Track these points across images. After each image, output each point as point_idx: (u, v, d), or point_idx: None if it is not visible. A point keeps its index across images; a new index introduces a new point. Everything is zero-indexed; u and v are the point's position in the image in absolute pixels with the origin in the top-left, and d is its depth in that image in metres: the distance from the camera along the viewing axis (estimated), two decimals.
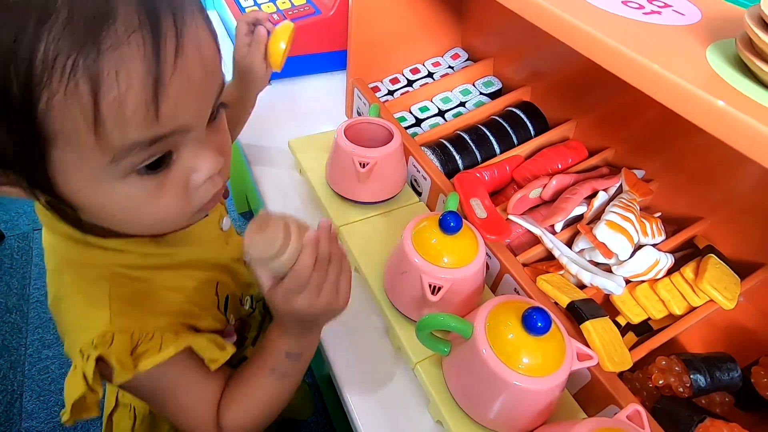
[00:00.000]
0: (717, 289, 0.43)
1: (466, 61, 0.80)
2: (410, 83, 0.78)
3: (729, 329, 0.47)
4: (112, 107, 0.24)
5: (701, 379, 0.39)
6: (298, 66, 0.89)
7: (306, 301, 0.34)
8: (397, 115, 0.72)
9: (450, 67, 0.80)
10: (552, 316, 0.37)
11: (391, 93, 0.77)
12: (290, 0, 0.88)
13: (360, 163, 0.54)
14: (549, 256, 0.51)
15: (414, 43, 0.79)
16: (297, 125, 0.78)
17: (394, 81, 0.79)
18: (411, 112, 0.73)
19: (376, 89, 0.78)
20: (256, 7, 0.87)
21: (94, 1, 0.23)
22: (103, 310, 0.33)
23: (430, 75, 0.79)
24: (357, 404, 0.45)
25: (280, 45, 0.52)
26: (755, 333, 0.47)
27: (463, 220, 0.45)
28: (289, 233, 0.31)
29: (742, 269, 0.46)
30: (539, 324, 0.35)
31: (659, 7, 0.39)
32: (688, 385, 0.39)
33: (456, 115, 0.71)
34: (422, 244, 0.45)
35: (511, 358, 0.36)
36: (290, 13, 0.85)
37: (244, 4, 0.90)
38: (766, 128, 0.25)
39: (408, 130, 0.71)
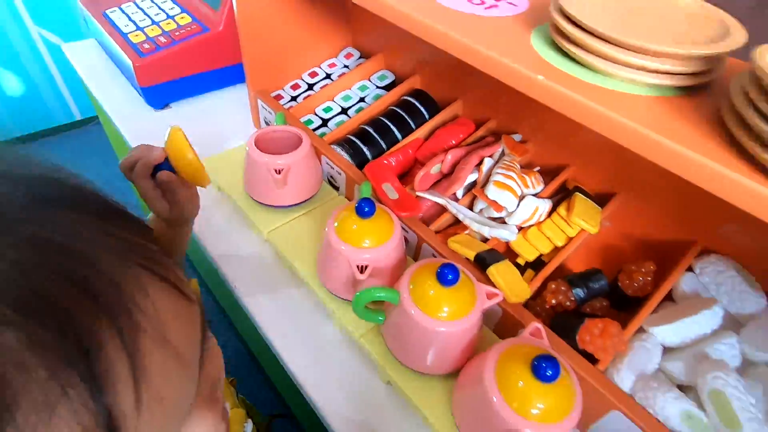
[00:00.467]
0: (584, 219, 0.53)
1: (359, 58, 0.86)
2: (311, 87, 0.82)
3: (600, 249, 0.59)
4: None
5: (580, 292, 0.49)
6: (197, 85, 0.89)
7: None
8: (303, 119, 0.76)
9: (345, 66, 0.85)
10: (460, 268, 0.44)
11: (294, 99, 0.81)
12: (174, 20, 0.88)
13: (275, 170, 0.58)
14: (456, 221, 0.59)
15: (307, 48, 0.83)
16: (208, 144, 0.79)
17: (295, 87, 0.82)
18: (316, 114, 0.78)
19: (279, 97, 0.81)
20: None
21: None
22: None
23: (328, 76, 0.84)
24: (316, 392, 0.49)
25: (188, 159, 0.40)
26: (619, 247, 0.59)
27: (377, 203, 0.51)
28: None
29: (602, 200, 0.58)
30: (449, 276, 0.42)
31: (496, 1, 0.47)
32: (572, 299, 0.49)
33: (358, 111, 0.77)
34: (344, 232, 0.50)
35: (434, 310, 0.43)
36: (176, 33, 0.84)
37: (125, 29, 0.87)
38: (575, 94, 0.34)
39: (316, 131, 0.75)
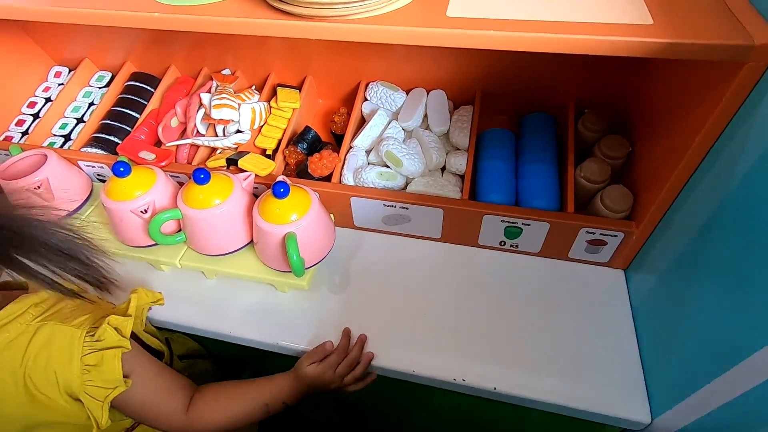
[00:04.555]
0: (288, 102, 0.74)
1: (69, 72, 0.90)
2: (36, 116, 0.85)
3: (310, 114, 0.81)
4: None
5: (303, 146, 0.70)
6: None
7: (326, 377, 0.54)
8: (45, 143, 0.80)
9: (60, 84, 0.89)
10: (212, 173, 0.60)
11: (26, 132, 0.83)
12: None
13: (35, 187, 0.65)
14: (213, 150, 0.74)
15: (10, 86, 0.85)
16: None
17: (20, 123, 0.84)
18: (56, 135, 0.82)
19: (9, 138, 0.82)
20: None
21: None
22: None
23: (48, 100, 0.87)
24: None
25: None
26: (321, 108, 0.82)
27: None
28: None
29: (301, 83, 0.79)
30: (201, 176, 0.58)
31: None
32: (299, 152, 0.70)
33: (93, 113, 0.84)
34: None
35: (206, 204, 0.59)
36: None
37: None
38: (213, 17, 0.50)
39: (65, 147, 0.80)
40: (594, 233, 0.60)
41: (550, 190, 0.64)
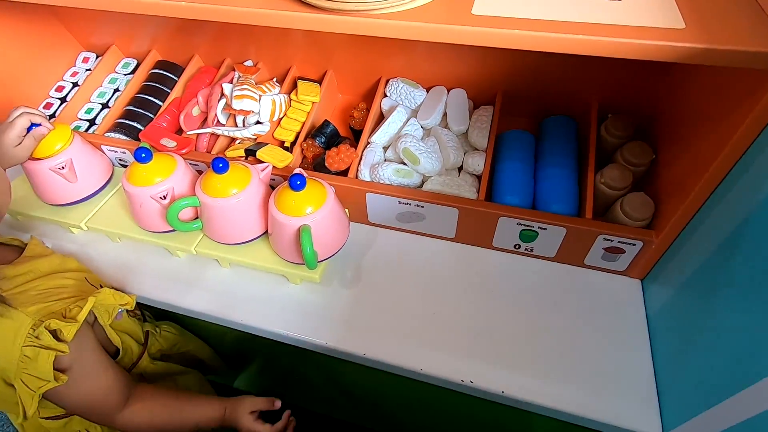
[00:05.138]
0: (308, 95, 0.74)
1: (97, 58, 0.92)
2: (64, 99, 0.87)
3: (329, 108, 0.81)
4: None
5: (321, 139, 0.70)
6: None
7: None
8: (71, 127, 0.82)
9: (87, 69, 0.91)
10: (231, 163, 0.60)
11: (53, 116, 0.85)
12: None
13: (59, 168, 0.66)
14: (233, 139, 0.75)
15: (40, 70, 0.87)
16: None
17: (48, 105, 0.86)
18: (81, 119, 0.84)
19: None
20: None
21: None
22: None
23: (75, 84, 0.89)
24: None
25: (56, 147, 0.66)
26: (340, 102, 0.82)
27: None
28: None
29: (321, 77, 0.79)
30: (220, 165, 0.59)
31: None
32: (317, 145, 0.70)
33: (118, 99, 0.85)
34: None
35: (223, 193, 0.60)
36: None
37: None
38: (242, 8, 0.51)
39: (89, 131, 0.82)
40: (612, 241, 0.59)
41: (568, 195, 0.63)
